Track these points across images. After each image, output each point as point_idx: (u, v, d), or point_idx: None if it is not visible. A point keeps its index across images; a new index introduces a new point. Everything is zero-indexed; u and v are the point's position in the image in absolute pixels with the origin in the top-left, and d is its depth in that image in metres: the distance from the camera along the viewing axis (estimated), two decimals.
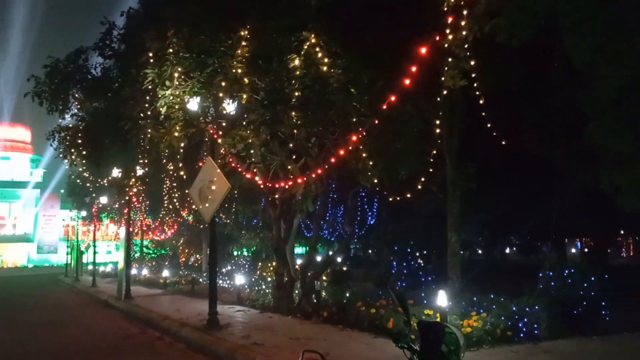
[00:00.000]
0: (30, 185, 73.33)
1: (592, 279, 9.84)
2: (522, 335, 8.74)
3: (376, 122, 8.49)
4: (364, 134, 9.00)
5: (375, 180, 10.40)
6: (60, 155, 18.10)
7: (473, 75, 8.57)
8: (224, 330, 10.61)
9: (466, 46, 7.98)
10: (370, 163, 10.13)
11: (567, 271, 10.12)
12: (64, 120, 17.24)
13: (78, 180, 28.42)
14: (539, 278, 10.32)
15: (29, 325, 13.90)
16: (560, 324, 9.14)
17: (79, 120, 17.29)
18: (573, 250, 40.30)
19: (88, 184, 23.73)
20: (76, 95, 16.25)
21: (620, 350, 8.15)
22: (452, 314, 8.79)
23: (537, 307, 9.08)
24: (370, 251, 29.11)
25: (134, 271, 26.11)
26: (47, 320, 14.99)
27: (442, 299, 7.93)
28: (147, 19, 12.65)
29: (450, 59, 8.07)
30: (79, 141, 16.93)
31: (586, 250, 34.70)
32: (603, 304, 9.73)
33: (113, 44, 15.94)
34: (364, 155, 9.92)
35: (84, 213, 37.10)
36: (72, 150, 17.18)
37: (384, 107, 7.78)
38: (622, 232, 36.78)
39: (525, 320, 8.89)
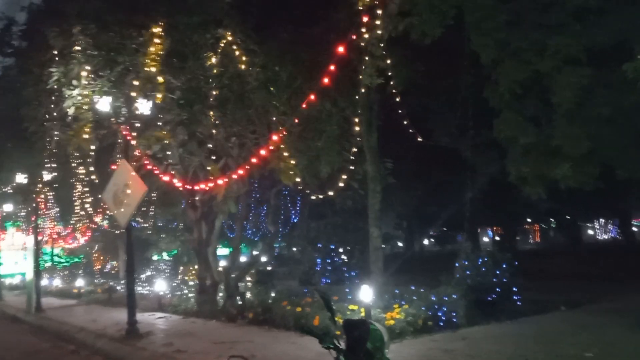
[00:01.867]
0: None
1: (504, 266, 10.43)
2: (441, 324, 9.08)
3: (296, 120, 8.50)
4: (285, 132, 8.97)
5: (297, 179, 10.41)
6: None
7: (389, 73, 8.79)
8: (145, 339, 10.18)
9: (382, 45, 8.16)
10: (292, 162, 10.12)
11: (480, 260, 10.65)
12: None
13: None
14: (455, 267, 10.78)
15: None
16: (476, 310, 9.60)
17: None
18: (485, 239, 42.61)
19: None
20: None
21: (531, 331, 8.69)
22: (375, 307, 8.98)
23: (454, 296, 9.48)
24: (294, 249, 29.19)
25: (45, 282, 24.53)
26: None
27: (365, 293, 8.06)
28: (50, 15, 11.85)
29: (367, 58, 8.23)
30: None
31: (497, 238, 36.80)
32: (514, 289, 10.34)
33: (13, 41, 14.85)
34: (285, 154, 9.89)
35: None
36: None
37: (304, 105, 7.80)
38: (529, 220, 39.42)
39: (444, 309, 9.26)
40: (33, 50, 12.97)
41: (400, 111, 9.33)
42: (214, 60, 9.57)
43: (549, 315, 9.99)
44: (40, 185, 16.89)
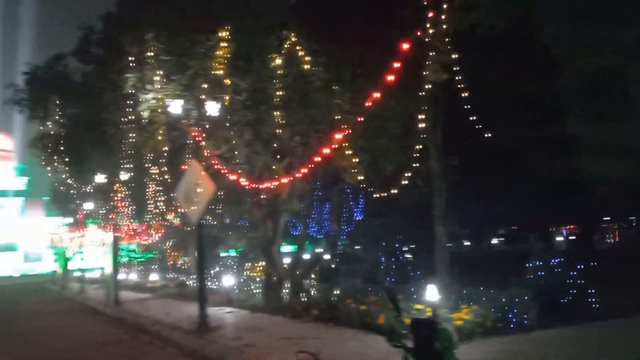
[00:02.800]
0: (14, 193, 72.28)
1: (579, 266, 9.96)
2: (512, 325, 8.82)
3: (360, 119, 8.50)
4: (348, 131, 9.00)
5: (361, 177, 10.42)
6: (43, 163, 17.90)
7: (455, 68, 8.61)
8: (215, 332, 10.56)
9: (447, 40, 8.02)
10: (355, 160, 10.14)
11: (554, 260, 10.23)
12: (45, 127, 17.05)
13: (62, 187, 28.01)
14: (526, 268, 10.41)
15: (15, 335, 13.71)
16: (549, 313, 9.24)
17: (60, 127, 17.08)
18: (559, 238, 40.75)
19: (72, 191, 23.47)
20: (57, 102, 16.07)
21: (608, 336, 8.26)
22: (442, 307, 8.83)
23: (526, 298, 9.17)
24: (357, 247, 29.18)
25: (122, 276, 25.90)
26: (35, 329, 14.80)
27: (431, 293, 7.96)
28: (125, 23, 12.50)
29: (432, 53, 8.10)
30: (61, 148, 16.75)
31: (572, 238, 35.08)
32: (591, 291, 9.85)
33: (92, 49, 15.77)
34: (348, 152, 9.93)
35: (69, 220, 36.65)
36: (55, 157, 16.99)
37: (368, 103, 7.79)
38: (607, 218, 37.25)
39: (515, 310, 8.97)
40: (110, 57, 13.72)
41: (466, 107, 9.10)
42: (278, 61, 9.78)
43: (629, 320, 9.43)
44: (118, 185, 17.84)
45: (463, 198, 17.87)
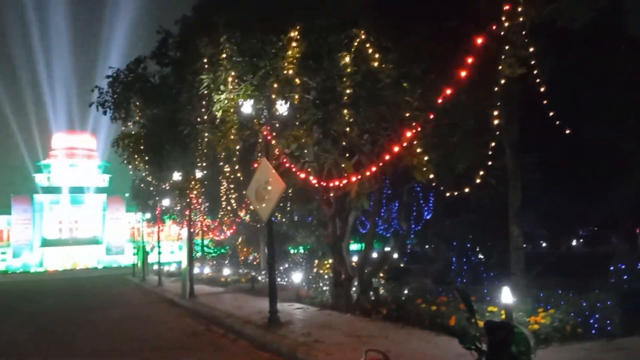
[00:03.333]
0: (97, 190, 77.09)
1: None
2: (594, 332, 8.34)
3: (431, 116, 8.33)
4: (418, 128, 8.85)
5: (431, 176, 10.22)
6: (125, 161, 18.92)
7: (532, 62, 8.24)
8: (285, 327, 10.75)
9: (524, 32, 7.69)
10: (426, 158, 9.95)
11: None
12: (126, 127, 18.02)
13: (142, 184, 29.59)
14: (609, 271, 9.82)
15: (100, 324, 14.63)
16: (636, 319, 8.66)
17: (140, 127, 17.99)
18: None
19: (151, 188, 24.70)
20: (137, 103, 16.93)
21: None
22: (517, 310, 8.52)
23: (609, 302, 8.65)
24: (427, 247, 28.67)
25: (196, 270, 26.89)
26: (118, 318, 15.72)
27: (506, 295, 7.69)
28: (200, 26, 12.98)
29: (507, 47, 7.80)
30: (141, 147, 17.63)
31: None
32: None
33: (169, 51, 16.49)
34: (418, 150, 9.76)
35: (148, 215, 38.65)
36: (135, 156, 17.91)
37: (439, 100, 7.62)
38: None
39: (597, 316, 8.48)
40: (186, 59, 14.30)
41: (545, 102, 8.68)
42: (347, 59, 9.76)
43: None
44: (193, 183, 18.56)
45: (541, 197, 17.10)
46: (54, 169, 76.94)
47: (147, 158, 18.13)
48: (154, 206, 31.00)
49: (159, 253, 31.70)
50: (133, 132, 18.24)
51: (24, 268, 68.79)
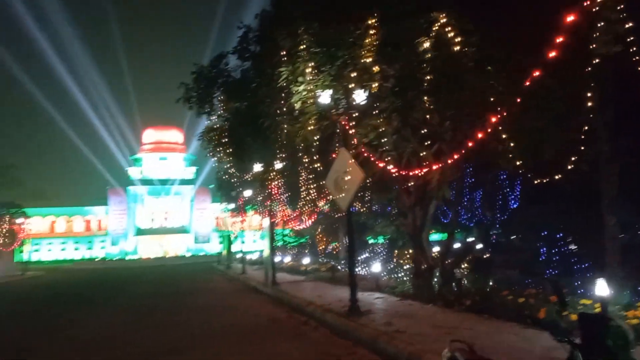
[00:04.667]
0: (185, 182, 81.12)
1: None
2: None
3: (517, 100, 7.95)
4: (503, 113, 8.48)
5: (518, 162, 9.78)
6: (210, 154, 19.73)
7: (628, 39, 7.63)
8: (365, 316, 10.78)
9: (619, 7, 7.13)
10: (512, 144, 9.54)
11: None
12: (210, 121, 18.76)
13: (225, 176, 30.68)
14: None
15: (190, 309, 15.44)
16: None
17: (223, 120, 18.65)
18: None
19: (234, 179, 25.55)
20: (220, 98, 17.55)
21: None
22: (613, 304, 8.00)
23: None
24: (513, 237, 27.53)
25: (277, 259, 27.59)
26: (206, 304, 16.51)
27: (601, 288, 7.23)
28: (278, 19, 13.20)
29: (600, 24, 7.28)
30: (224, 140, 18.27)
31: None
32: None
33: (249, 46, 16.91)
34: (504, 136, 9.37)
35: (231, 206, 40.06)
36: (219, 148, 18.62)
37: (526, 83, 7.26)
38: None
39: None
40: (265, 53, 14.60)
41: None
42: (426, 44, 9.54)
43: None
44: (273, 173, 18.99)
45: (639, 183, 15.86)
46: (145, 162, 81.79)
47: (230, 150, 18.79)
48: (236, 197, 32.06)
49: (242, 242, 32.87)
50: (217, 126, 18.94)
51: (120, 255, 73.98)
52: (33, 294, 25.75)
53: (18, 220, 48.39)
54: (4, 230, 44.53)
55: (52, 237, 76.78)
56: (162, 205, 79.84)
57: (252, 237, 62.57)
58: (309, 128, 11.78)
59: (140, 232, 78.10)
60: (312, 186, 19.44)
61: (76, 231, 78.86)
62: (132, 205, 78.90)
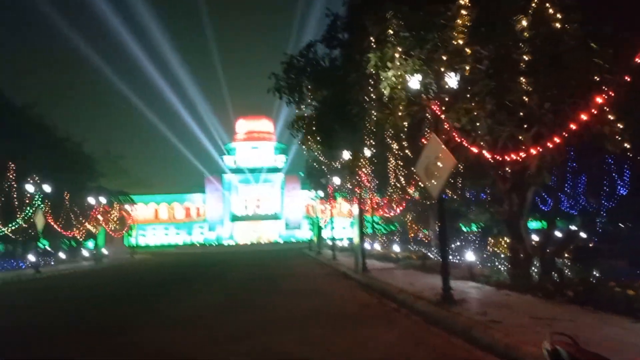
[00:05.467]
0: (275, 170, 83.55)
1: None
2: None
3: (626, 78, 7.35)
4: (610, 93, 7.87)
5: (627, 145, 9.06)
6: (299, 142, 20.13)
7: None
8: (459, 305, 10.55)
9: None
10: (620, 126, 8.84)
11: None
12: (300, 110, 19.12)
13: (315, 164, 31.20)
14: None
15: (282, 292, 15.96)
16: None
17: (313, 109, 18.93)
18: None
19: (323, 167, 25.92)
20: (309, 87, 17.82)
21: None
22: None
23: None
24: (622, 225, 25.58)
25: (367, 246, 27.67)
26: (298, 288, 16.97)
27: None
28: (366, 5, 13.10)
29: None
30: (314, 128, 18.55)
31: None
32: None
33: (338, 34, 16.98)
34: (610, 117, 8.71)
35: (321, 193, 40.74)
36: (308, 137, 18.94)
37: (636, 59, 6.69)
38: None
39: None
40: (353, 40, 14.59)
41: None
42: (524, 22, 9.03)
43: None
44: (362, 161, 19.02)
45: None
46: (238, 151, 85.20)
47: (319, 138, 19.04)
48: (326, 184, 32.54)
49: (332, 229, 33.31)
50: (306, 115, 19.25)
51: (217, 240, 77.90)
52: (142, 275, 27.89)
53: (127, 207, 52.47)
54: (115, 216, 48.42)
55: (155, 223, 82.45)
56: (255, 193, 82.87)
57: (342, 224, 63.22)
58: (399, 114, 11.65)
59: (235, 218, 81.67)
60: (401, 173, 19.25)
61: (177, 218, 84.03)
62: (227, 193, 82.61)
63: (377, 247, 31.82)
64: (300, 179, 77.72)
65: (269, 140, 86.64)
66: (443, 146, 11.05)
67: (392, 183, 21.29)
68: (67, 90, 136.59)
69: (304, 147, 21.12)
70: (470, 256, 16.23)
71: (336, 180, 27.67)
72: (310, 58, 17.85)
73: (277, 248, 64.40)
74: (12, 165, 28.65)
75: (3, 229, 28.81)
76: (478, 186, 18.93)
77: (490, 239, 20.84)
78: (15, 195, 29.01)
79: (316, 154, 23.35)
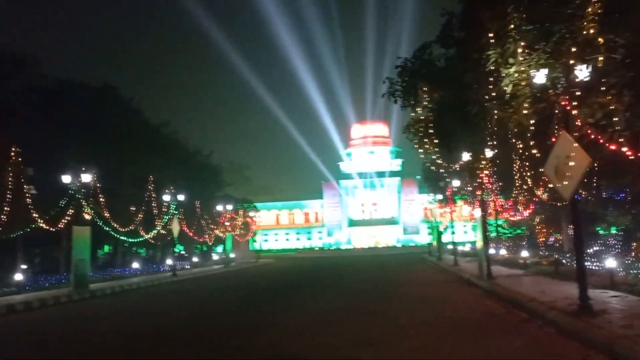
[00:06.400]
0: (391, 174, 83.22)
1: None
2: None
3: None
4: None
5: None
6: (415, 146, 19.86)
7: None
8: (599, 317, 9.66)
9: None
10: None
11: None
12: (415, 113, 18.87)
13: (432, 167, 30.58)
14: None
15: (402, 298, 15.77)
16: None
17: (429, 111, 18.58)
18: None
19: (441, 170, 25.30)
20: (424, 89, 17.53)
21: None
22: None
23: None
24: None
25: (491, 251, 26.45)
26: (419, 295, 16.68)
27: None
28: (484, 1, 12.59)
29: None
30: (430, 131, 18.21)
31: None
32: None
33: (453, 32, 16.51)
34: None
35: (439, 196, 39.79)
36: (425, 140, 18.62)
37: None
38: None
39: None
40: (470, 37, 14.07)
41: None
42: None
43: None
44: (484, 162, 18.27)
45: None
46: (354, 156, 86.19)
47: (436, 141, 18.63)
48: (444, 188, 31.74)
49: (453, 233, 32.35)
50: (422, 117, 18.94)
51: (336, 245, 79.31)
52: (266, 277, 29.25)
53: (250, 214, 55.42)
54: (240, 222, 51.33)
55: (277, 229, 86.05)
56: (371, 197, 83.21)
57: (463, 228, 61.14)
58: (523, 112, 11.03)
59: (352, 223, 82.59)
60: (527, 174, 18.18)
61: (297, 223, 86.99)
62: (344, 198, 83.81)
63: (503, 252, 30.27)
64: (418, 182, 76.55)
65: (385, 145, 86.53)
66: (576, 144, 10.24)
67: (518, 184, 20.19)
68: (192, 103, 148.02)
69: (420, 150, 20.78)
70: (610, 262, 14.82)
71: (455, 183, 26.88)
72: (425, 59, 17.57)
73: (395, 253, 63.91)
74: (151, 178, 31.57)
75: (145, 236, 31.80)
76: (616, 186, 17.29)
77: (634, 243, 18.88)
78: (154, 205, 31.92)
79: (434, 156, 22.86)
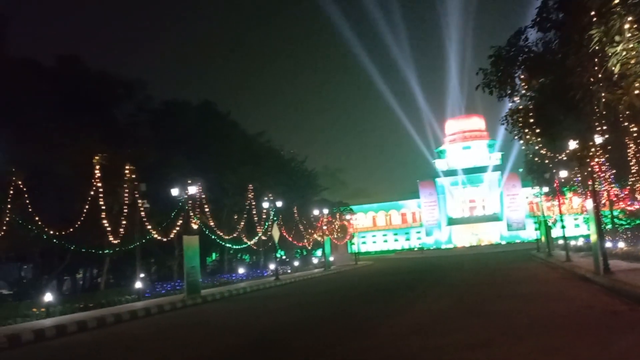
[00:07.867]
0: (490, 168, 79.85)
1: None
2: None
3: None
4: None
5: None
6: (515, 137, 18.90)
7: None
8: None
9: None
10: None
11: None
12: (513, 103, 17.96)
13: (535, 158, 28.99)
14: None
15: (512, 297, 15.05)
16: None
17: (527, 100, 17.62)
18: None
19: (546, 160, 23.92)
20: (521, 77, 16.65)
21: None
22: None
23: None
24: None
25: (608, 244, 24.51)
26: (528, 292, 15.86)
27: None
28: None
29: None
30: (531, 120, 17.26)
31: None
32: None
33: (550, 15, 15.56)
34: None
35: (545, 189, 37.63)
36: (526, 130, 17.66)
37: None
38: None
39: None
40: (569, 18, 13.20)
41: None
42: None
43: None
44: (593, 149, 17.03)
45: None
46: (449, 153, 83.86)
47: (538, 130, 17.61)
48: (551, 179, 29.98)
49: (563, 227, 30.45)
50: (521, 107, 18.00)
51: (435, 245, 77.58)
52: (367, 280, 29.30)
53: (347, 217, 55.78)
54: (337, 226, 51.83)
55: (374, 230, 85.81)
56: (470, 194, 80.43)
57: (574, 222, 57.22)
58: (635, 92, 10.15)
59: (452, 221, 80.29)
60: None
61: (394, 224, 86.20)
62: (441, 196, 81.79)
63: (621, 244, 27.95)
64: (520, 175, 72.86)
65: (481, 139, 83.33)
66: None
67: (634, 171, 18.60)
68: (284, 111, 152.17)
69: (521, 141, 19.74)
70: None
71: (563, 174, 25.29)
72: (521, 46, 16.65)
73: (500, 250, 61.24)
74: (250, 186, 32.86)
75: (248, 242, 33.13)
76: None
77: None
78: (254, 213, 33.18)
79: (537, 147, 21.63)
